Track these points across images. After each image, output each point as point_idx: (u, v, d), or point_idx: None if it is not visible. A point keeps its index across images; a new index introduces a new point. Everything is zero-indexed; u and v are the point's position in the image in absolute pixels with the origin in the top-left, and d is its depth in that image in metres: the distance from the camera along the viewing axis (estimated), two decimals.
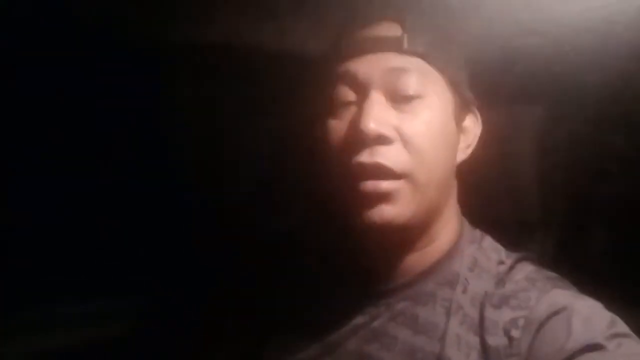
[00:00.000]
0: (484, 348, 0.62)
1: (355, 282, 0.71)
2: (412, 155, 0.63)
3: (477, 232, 0.72)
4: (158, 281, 0.92)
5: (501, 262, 0.68)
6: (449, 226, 0.70)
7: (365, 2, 0.70)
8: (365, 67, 0.65)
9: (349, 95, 0.65)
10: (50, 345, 0.87)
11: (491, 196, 0.80)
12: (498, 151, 0.79)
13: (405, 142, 0.63)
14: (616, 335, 0.59)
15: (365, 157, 0.63)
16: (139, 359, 0.86)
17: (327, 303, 0.72)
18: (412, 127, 0.64)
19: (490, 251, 0.70)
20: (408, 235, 0.68)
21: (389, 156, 0.63)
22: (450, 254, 0.69)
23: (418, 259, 0.69)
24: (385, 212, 0.63)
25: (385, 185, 0.63)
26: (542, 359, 0.59)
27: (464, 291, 0.66)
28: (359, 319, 0.69)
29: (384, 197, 0.63)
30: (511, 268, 0.67)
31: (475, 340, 0.63)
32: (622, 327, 0.60)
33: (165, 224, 0.95)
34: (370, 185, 0.63)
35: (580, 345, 0.58)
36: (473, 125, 0.71)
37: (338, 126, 0.66)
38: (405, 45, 0.64)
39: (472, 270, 0.67)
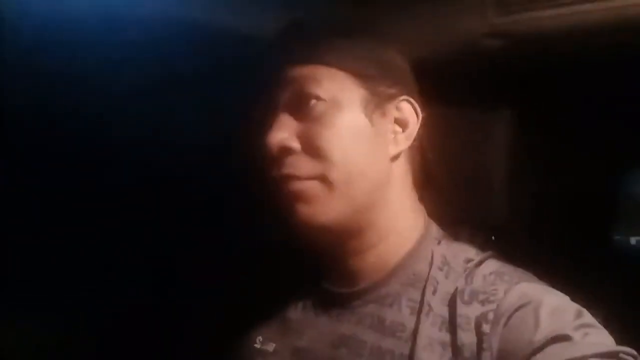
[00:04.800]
0: (457, 345, 0.62)
1: (321, 288, 0.72)
2: (318, 160, 0.66)
3: (445, 233, 0.73)
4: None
5: (469, 260, 0.68)
6: (403, 224, 0.71)
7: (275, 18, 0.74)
8: (276, 82, 0.69)
9: (266, 110, 0.70)
10: None
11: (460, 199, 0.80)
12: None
13: (310, 149, 0.67)
14: (583, 326, 0.59)
15: (275, 170, 0.68)
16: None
17: (294, 309, 0.73)
18: (314, 133, 0.67)
19: (458, 250, 0.70)
20: (348, 233, 0.69)
21: (295, 165, 0.67)
22: (412, 254, 0.69)
23: (377, 260, 0.69)
24: (304, 212, 0.67)
25: (297, 185, 0.67)
26: (512, 351, 0.59)
27: (434, 292, 0.66)
28: (327, 325, 0.69)
29: (299, 197, 0.67)
30: (479, 264, 0.68)
31: (447, 338, 0.63)
32: (588, 318, 0.61)
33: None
34: (286, 187, 0.67)
35: (548, 336, 0.58)
36: (409, 115, 0.71)
37: (258, 139, 0.69)
38: (299, 55, 0.69)
39: (441, 270, 0.68)
